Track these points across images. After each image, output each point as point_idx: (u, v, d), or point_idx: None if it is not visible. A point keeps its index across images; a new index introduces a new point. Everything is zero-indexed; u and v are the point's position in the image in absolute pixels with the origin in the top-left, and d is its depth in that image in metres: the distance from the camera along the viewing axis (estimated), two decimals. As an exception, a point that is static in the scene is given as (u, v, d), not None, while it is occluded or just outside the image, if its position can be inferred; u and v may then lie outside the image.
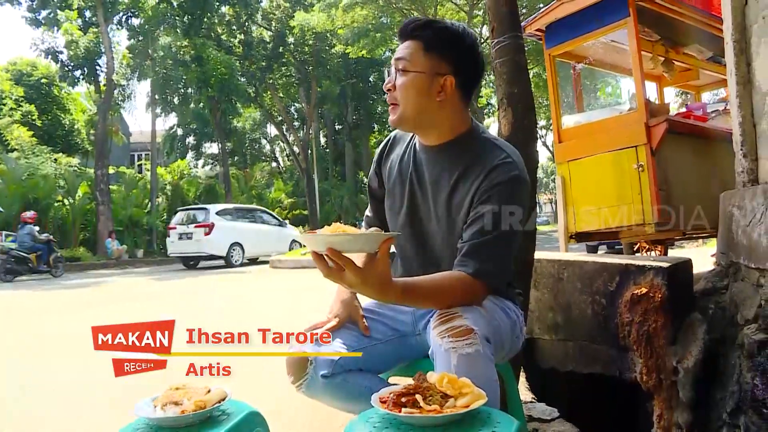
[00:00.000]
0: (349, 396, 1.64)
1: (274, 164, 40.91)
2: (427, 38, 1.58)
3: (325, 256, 1.32)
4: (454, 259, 1.57)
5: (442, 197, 1.63)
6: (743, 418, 1.77)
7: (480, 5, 22.92)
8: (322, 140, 37.63)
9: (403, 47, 1.60)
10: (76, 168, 23.28)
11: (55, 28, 23.42)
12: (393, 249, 1.81)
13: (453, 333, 1.33)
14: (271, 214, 20.05)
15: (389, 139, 1.86)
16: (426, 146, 1.69)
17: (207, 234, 16.21)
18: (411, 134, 1.77)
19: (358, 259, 1.33)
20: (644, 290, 2.15)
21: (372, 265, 1.33)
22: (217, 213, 17.09)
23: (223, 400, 1.37)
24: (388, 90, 1.61)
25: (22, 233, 14.37)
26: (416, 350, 1.75)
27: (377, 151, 1.87)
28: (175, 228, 16.99)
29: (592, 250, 10.21)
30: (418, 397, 1.15)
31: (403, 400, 1.16)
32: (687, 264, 2.25)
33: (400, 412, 1.14)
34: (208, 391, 1.39)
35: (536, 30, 5.04)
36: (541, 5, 18.47)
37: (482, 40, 17.13)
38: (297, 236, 18.02)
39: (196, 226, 16.46)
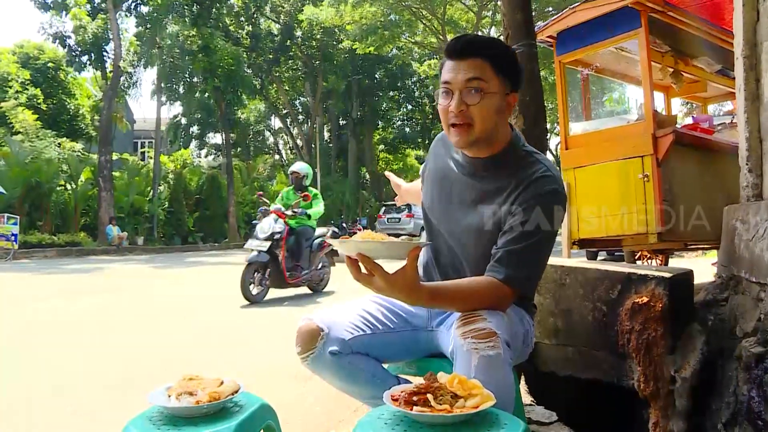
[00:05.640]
0: (351, 377, 1.68)
1: (276, 157, 40.88)
2: (495, 58, 1.58)
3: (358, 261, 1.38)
4: (470, 270, 1.63)
5: (478, 208, 1.66)
6: (738, 429, 1.80)
7: (489, 6, 22.92)
8: (326, 135, 37.60)
9: (473, 66, 1.57)
10: (79, 153, 23.25)
11: (64, 12, 23.40)
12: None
13: (476, 335, 1.36)
14: None
15: (441, 138, 1.86)
16: (471, 157, 1.70)
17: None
18: None
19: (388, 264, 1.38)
20: (645, 299, 2.17)
21: (400, 271, 1.39)
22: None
23: (236, 392, 1.39)
24: (461, 111, 1.57)
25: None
26: (426, 345, 1.79)
27: (432, 143, 1.91)
28: None
29: (592, 256, 10.24)
30: (429, 396, 1.19)
31: (415, 398, 1.20)
32: (688, 275, 2.26)
33: (411, 410, 1.18)
34: (221, 383, 1.41)
35: (548, 36, 5.06)
36: (551, 9, 18.50)
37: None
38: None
39: None
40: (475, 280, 1.55)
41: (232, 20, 29.13)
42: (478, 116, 1.57)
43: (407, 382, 1.57)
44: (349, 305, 1.80)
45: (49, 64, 25.65)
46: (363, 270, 1.40)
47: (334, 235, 26.04)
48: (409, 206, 19.42)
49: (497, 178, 1.65)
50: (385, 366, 1.79)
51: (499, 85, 1.58)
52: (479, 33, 24.54)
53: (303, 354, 1.64)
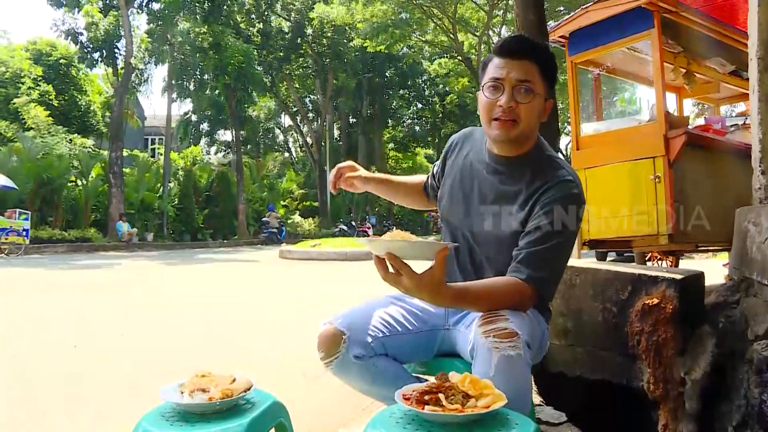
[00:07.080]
0: (375, 380, 1.70)
1: (286, 154, 40.92)
2: (542, 63, 1.66)
3: (386, 261, 1.40)
4: (491, 266, 1.66)
5: (499, 207, 1.70)
6: (748, 433, 1.80)
7: (500, 5, 22.83)
8: (336, 133, 37.61)
9: (524, 67, 1.64)
10: (90, 149, 23.33)
11: (76, 9, 23.46)
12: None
13: (498, 334, 1.38)
14: None
15: (463, 136, 1.93)
16: (499, 156, 1.74)
17: None
18: (483, 138, 1.82)
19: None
20: (656, 301, 2.16)
21: (428, 272, 1.40)
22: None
23: (249, 389, 1.40)
24: (510, 107, 1.63)
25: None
26: (442, 344, 1.80)
27: (449, 141, 1.96)
28: None
29: (602, 257, 10.19)
30: (440, 395, 1.20)
31: (426, 398, 1.21)
32: (699, 277, 2.25)
33: (422, 409, 1.18)
34: (234, 380, 1.42)
35: (560, 37, 5.04)
36: (562, 8, 18.41)
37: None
38: None
39: None
40: (498, 280, 1.57)
41: (243, 18, 29.13)
42: (524, 115, 1.64)
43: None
44: (367, 306, 1.81)
45: (61, 61, 25.85)
46: (390, 270, 1.42)
47: (343, 233, 25.62)
48: None
49: (519, 179, 1.69)
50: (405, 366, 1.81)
51: (542, 90, 1.66)
52: (489, 32, 24.47)
53: (327, 359, 1.66)
